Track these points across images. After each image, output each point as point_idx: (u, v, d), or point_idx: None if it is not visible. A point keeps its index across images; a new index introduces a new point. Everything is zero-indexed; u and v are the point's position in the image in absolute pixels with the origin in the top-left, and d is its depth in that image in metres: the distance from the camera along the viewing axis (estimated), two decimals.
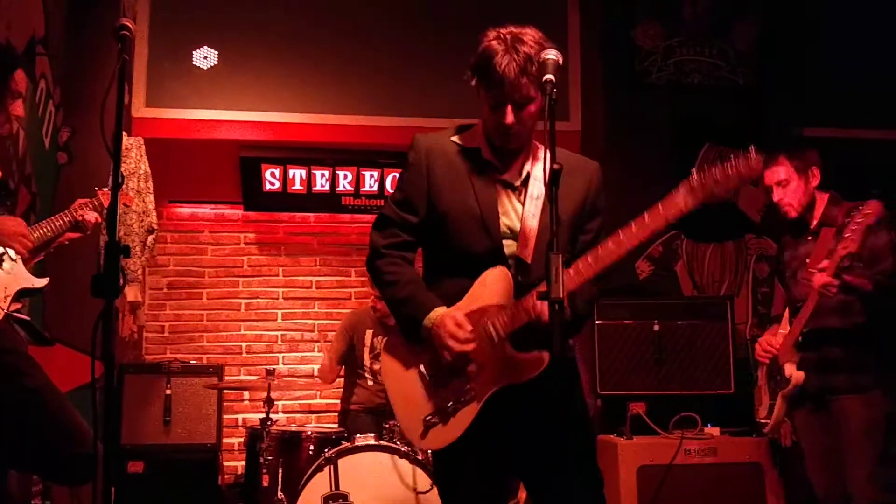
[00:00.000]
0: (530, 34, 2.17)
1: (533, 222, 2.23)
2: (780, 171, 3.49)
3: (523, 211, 2.26)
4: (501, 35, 2.18)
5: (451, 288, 2.26)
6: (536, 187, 2.26)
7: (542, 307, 2.04)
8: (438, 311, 2.20)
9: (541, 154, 2.25)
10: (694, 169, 2.11)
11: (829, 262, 3.18)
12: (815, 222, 3.49)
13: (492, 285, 2.22)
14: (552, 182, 1.94)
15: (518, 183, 2.30)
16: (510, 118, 2.18)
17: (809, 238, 3.50)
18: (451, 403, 2.20)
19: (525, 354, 2.17)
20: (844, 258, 3.13)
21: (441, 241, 2.30)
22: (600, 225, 2.35)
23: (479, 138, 2.32)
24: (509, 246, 2.25)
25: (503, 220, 2.25)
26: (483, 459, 2.24)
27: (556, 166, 1.93)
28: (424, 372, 2.26)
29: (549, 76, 2.03)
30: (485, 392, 2.18)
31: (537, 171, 2.28)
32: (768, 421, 3.61)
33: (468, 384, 2.19)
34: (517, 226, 2.25)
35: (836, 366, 3.34)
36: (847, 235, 3.14)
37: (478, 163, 2.29)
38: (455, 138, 2.35)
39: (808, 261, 3.43)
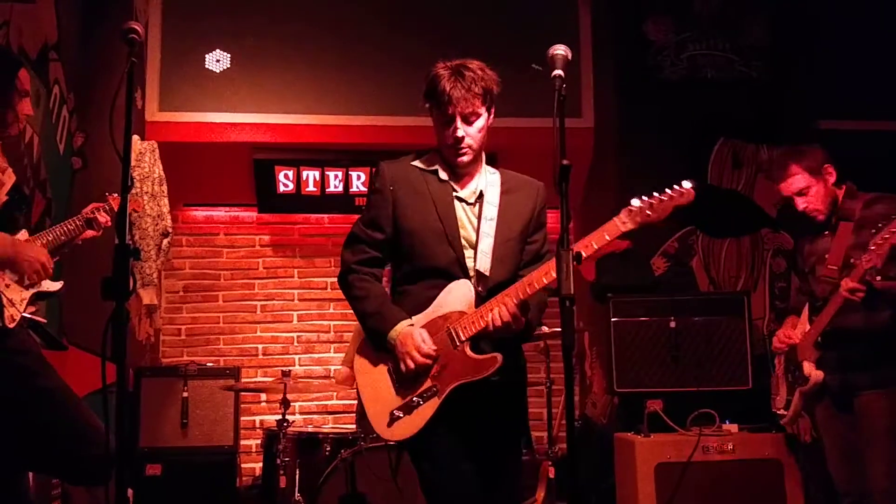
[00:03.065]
0: (474, 63, 2.48)
1: (489, 240, 2.52)
2: (798, 180, 3.42)
3: (479, 227, 2.53)
4: (447, 64, 2.49)
5: (418, 297, 2.53)
6: (489, 210, 2.55)
7: (493, 317, 2.37)
8: (402, 326, 2.47)
9: (489, 175, 2.61)
10: (634, 199, 2.35)
11: (854, 272, 3.15)
12: (833, 217, 3.44)
13: (456, 295, 2.49)
14: (562, 178, 1.94)
15: (473, 200, 2.57)
16: (459, 132, 2.45)
17: (827, 233, 3.46)
18: (415, 398, 2.45)
19: (481, 356, 2.44)
20: (869, 271, 3.10)
21: (407, 256, 2.56)
22: (544, 235, 2.65)
23: (437, 162, 2.60)
24: (469, 257, 2.51)
25: (462, 234, 2.53)
26: (453, 442, 2.44)
27: (564, 162, 1.92)
28: (392, 371, 2.51)
29: (559, 71, 2.03)
30: (446, 387, 2.43)
31: (489, 194, 2.56)
32: (786, 413, 3.60)
33: (431, 382, 2.44)
34: (474, 238, 2.53)
35: (858, 364, 3.30)
36: (872, 249, 3.09)
37: (436, 183, 2.57)
38: (416, 163, 2.63)
39: (826, 256, 3.39)
